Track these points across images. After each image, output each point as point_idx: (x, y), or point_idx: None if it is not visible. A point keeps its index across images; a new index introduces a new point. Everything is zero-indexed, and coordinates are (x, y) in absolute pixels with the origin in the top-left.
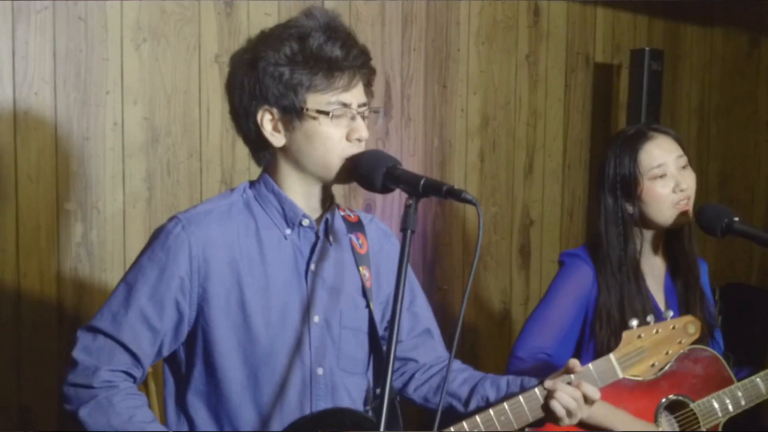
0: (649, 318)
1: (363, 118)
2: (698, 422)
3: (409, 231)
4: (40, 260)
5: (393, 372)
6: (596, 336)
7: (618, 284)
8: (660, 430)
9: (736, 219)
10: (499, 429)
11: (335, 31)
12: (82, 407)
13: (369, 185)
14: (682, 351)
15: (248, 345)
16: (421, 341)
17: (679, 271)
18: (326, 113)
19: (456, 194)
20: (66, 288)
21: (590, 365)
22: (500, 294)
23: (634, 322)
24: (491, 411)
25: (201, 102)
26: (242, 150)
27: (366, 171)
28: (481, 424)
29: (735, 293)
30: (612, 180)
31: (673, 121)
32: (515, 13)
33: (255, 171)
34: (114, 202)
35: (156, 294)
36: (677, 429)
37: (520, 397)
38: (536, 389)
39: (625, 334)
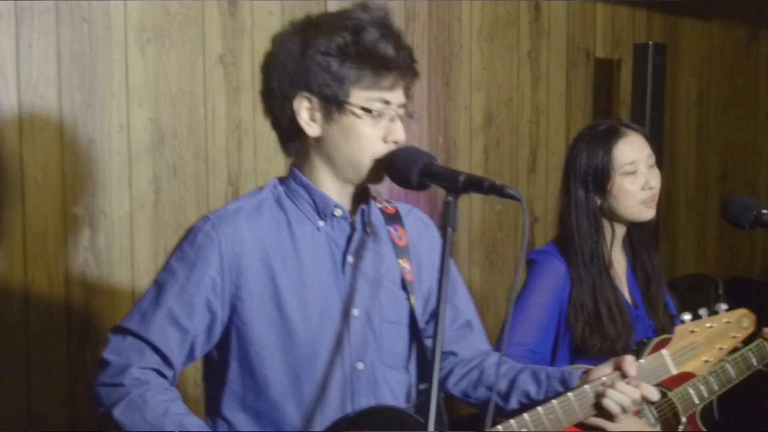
0: (702, 311)
1: (401, 120)
2: (677, 410)
3: (449, 228)
4: (47, 265)
5: (440, 370)
6: (572, 328)
7: (590, 276)
8: (649, 430)
9: (765, 211)
10: (549, 428)
11: (389, 28)
12: (115, 407)
13: (404, 182)
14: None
15: (287, 342)
16: (462, 334)
17: (640, 265)
18: (369, 111)
19: (498, 190)
20: (74, 292)
21: (642, 361)
22: (506, 292)
23: (687, 317)
24: (540, 409)
25: (206, 102)
26: (248, 150)
27: (401, 168)
28: (530, 424)
29: (738, 287)
30: (584, 172)
31: (673, 115)
32: (516, 10)
33: (261, 172)
34: (121, 206)
35: (185, 293)
36: (656, 419)
37: (570, 395)
38: (587, 387)
39: (677, 329)
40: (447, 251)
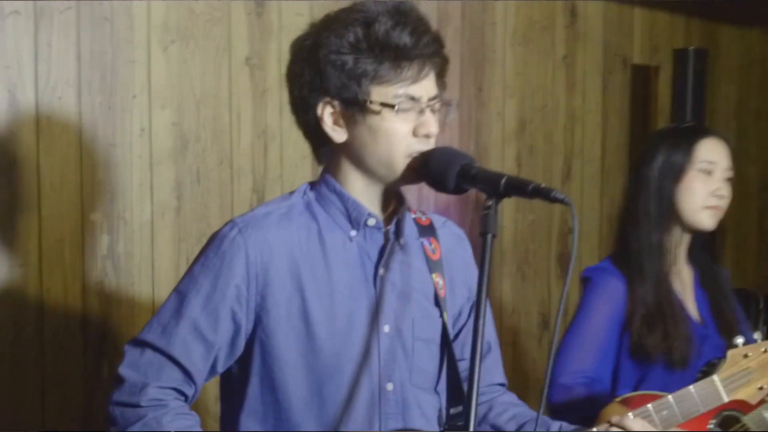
0: (756, 335)
1: (433, 111)
2: None
3: (489, 235)
4: (64, 274)
5: (478, 393)
6: (629, 327)
7: (654, 270)
8: None
9: None
10: None
11: (404, 15)
12: (130, 429)
13: (440, 186)
14: None
15: (312, 358)
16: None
17: (708, 281)
18: (391, 107)
19: (545, 193)
20: (92, 303)
21: (691, 388)
22: (539, 305)
23: (740, 340)
24: None
25: (231, 106)
26: (274, 156)
27: (437, 170)
28: None
29: None
30: (662, 162)
31: (711, 124)
32: (552, 13)
33: (288, 178)
34: (141, 212)
35: (210, 304)
36: None
37: None
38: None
39: (729, 353)
40: (487, 260)
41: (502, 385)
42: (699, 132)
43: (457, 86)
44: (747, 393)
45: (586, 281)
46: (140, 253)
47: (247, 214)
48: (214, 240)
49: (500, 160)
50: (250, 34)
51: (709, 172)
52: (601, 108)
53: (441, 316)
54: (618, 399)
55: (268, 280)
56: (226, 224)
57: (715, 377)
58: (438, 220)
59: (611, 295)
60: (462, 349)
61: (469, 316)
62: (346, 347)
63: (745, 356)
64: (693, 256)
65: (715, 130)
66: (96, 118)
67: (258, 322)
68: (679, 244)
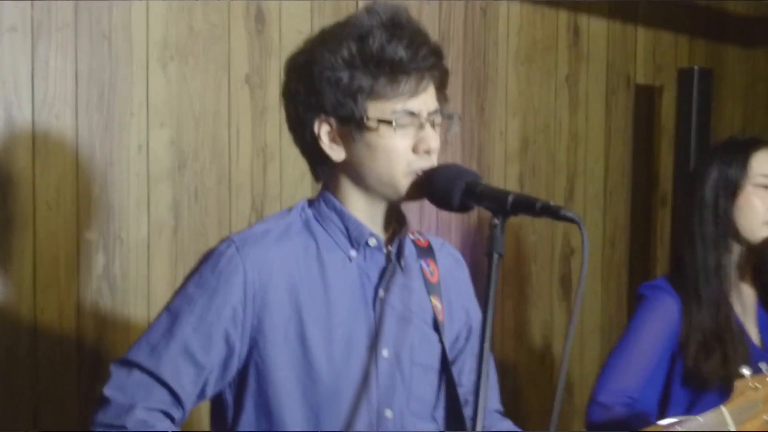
0: (763, 366)
1: (433, 126)
2: None
3: (496, 256)
4: (59, 294)
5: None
6: (684, 351)
7: (712, 293)
8: None
9: None
10: None
11: (399, 28)
12: None
13: (444, 203)
14: None
15: (308, 383)
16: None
17: None
18: (389, 123)
19: (553, 212)
20: (86, 324)
21: (700, 417)
22: (541, 327)
23: (746, 371)
24: None
25: (230, 125)
26: (274, 175)
27: (441, 187)
28: None
29: None
30: (716, 178)
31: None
32: (554, 32)
33: (287, 197)
34: (138, 231)
35: (203, 324)
36: None
37: None
38: None
39: (737, 384)
40: (493, 280)
41: (498, 411)
42: (752, 144)
43: (459, 106)
44: (754, 425)
45: (640, 298)
46: (136, 272)
47: (245, 232)
48: (209, 257)
49: (503, 180)
50: (250, 51)
51: (767, 186)
52: (604, 128)
53: (440, 340)
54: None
55: (265, 301)
56: (222, 241)
57: (723, 408)
58: (436, 242)
59: (664, 314)
60: (459, 375)
61: (466, 341)
62: (344, 372)
63: (754, 388)
64: (755, 275)
65: None
66: (93, 136)
67: (253, 345)
68: (739, 263)
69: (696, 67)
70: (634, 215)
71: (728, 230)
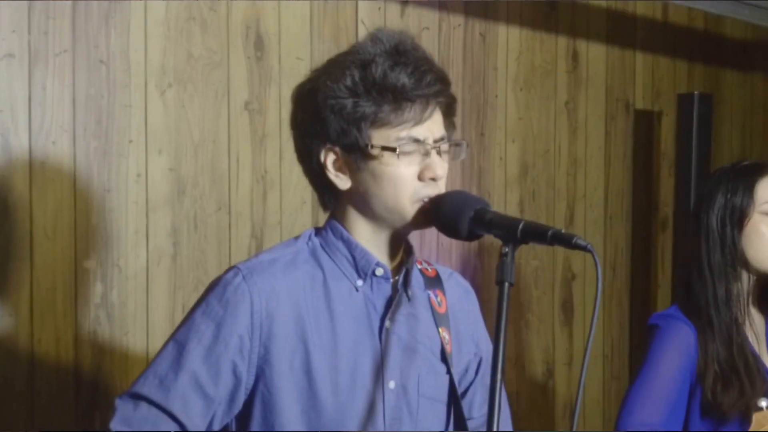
0: None
1: (439, 153)
2: None
3: (506, 284)
4: (56, 323)
5: None
6: (701, 382)
7: (724, 323)
8: None
9: None
10: None
11: (404, 55)
12: None
13: (452, 232)
14: None
15: (313, 415)
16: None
17: None
18: (392, 150)
19: (566, 240)
20: (84, 353)
21: None
22: (542, 353)
23: (764, 403)
24: None
25: (230, 152)
26: (274, 202)
27: (449, 215)
28: None
29: None
30: (722, 206)
31: (713, 169)
32: (554, 58)
33: (287, 225)
34: (137, 260)
35: (212, 355)
36: None
37: None
38: None
39: (755, 416)
40: (504, 310)
41: None
42: (758, 170)
43: (459, 131)
44: None
45: (654, 329)
46: (135, 301)
47: (252, 260)
48: (216, 286)
49: (503, 206)
50: (249, 78)
51: None
52: (603, 153)
53: (448, 372)
54: None
55: (272, 331)
56: (228, 270)
57: None
58: (444, 272)
59: (681, 343)
60: (470, 407)
61: (476, 373)
62: (350, 404)
63: None
64: (763, 302)
65: None
66: (91, 163)
67: (260, 375)
68: (750, 291)
69: (696, 92)
70: (635, 240)
71: (736, 259)
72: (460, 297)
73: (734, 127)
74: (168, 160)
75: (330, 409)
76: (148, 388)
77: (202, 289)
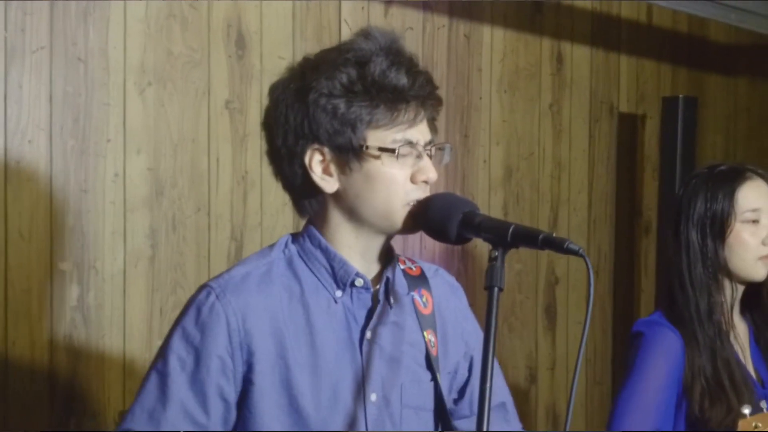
0: (764, 405)
1: (430, 156)
2: None
3: (496, 289)
4: (30, 326)
5: None
6: (688, 396)
7: (708, 337)
8: None
9: None
10: None
11: (399, 55)
12: None
13: (441, 235)
14: None
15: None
16: (495, 417)
17: (764, 339)
18: (391, 151)
19: (557, 244)
20: (60, 357)
21: None
22: (525, 358)
23: (747, 410)
24: None
25: (210, 152)
26: (254, 204)
27: (437, 218)
28: None
29: None
30: (701, 215)
31: None
32: (538, 60)
33: (268, 227)
34: (114, 262)
35: (196, 382)
36: None
37: None
38: None
39: (741, 423)
40: (494, 316)
41: None
42: (737, 176)
43: (443, 133)
44: None
45: (639, 337)
46: (112, 304)
47: (223, 277)
48: (189, 310)
49: (486, 209)
50: (230, 77)
51: (755, 221)
52: (587, 156)
53: (433, 379)
54: None
55: (252, 348)
56: (200, 290)
57: None
58: (429, 269)
59: (668, 350)
60: (471, 406)
61: (469, 372)
62: (332, 419)
63: (755, 427)
64: (746, 308)
65: (752, 169)
66: (68, 163)
67: (243, 396)
68: (733, 301)
69: (681, 96)
70: (618, 244)
71: (719, 270)
72: (447, 295)
73: (717, 131)
74: (146, 159)
75: (312, 425)
76: (137, 423)
77: (180, 292)
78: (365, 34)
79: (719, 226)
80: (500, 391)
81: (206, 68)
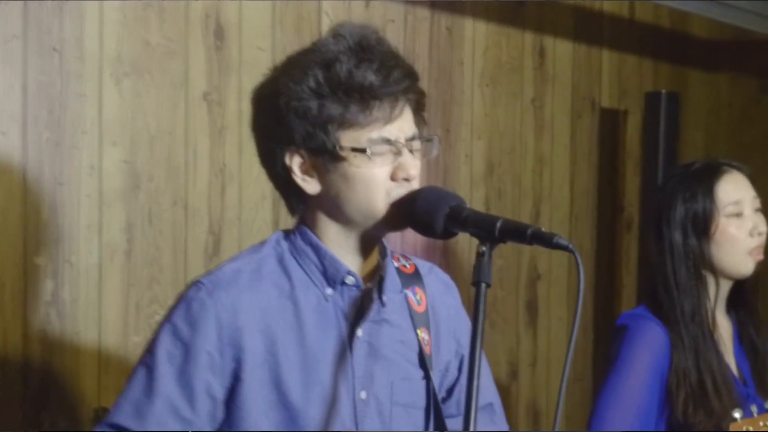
0: (753, 408)
1: (412, 152)
2: None
3: (483, 285)
4: (4, 321)
5: None
6: (672, 400)
7: (692, 339)
8: None
9: None
10: None
11: (368, 51)
12: None
13: (426, 229)
14: None
15: (284, 429)
16: (481, 418)
17: (747, 336)
18: (362, 151)
19: (546, 239)
20: (33, 353)
21: None
22: (507, 354)
23: (737, 414)
24: None
25: (188, 144)
26: (233, 197)
27: (423, 212)
28: None
29: None
30: (682, 216)
31: None
32: (520, 54)
33: (246, 220)
34: (89, 256)
35: (184, 377)
36: None
37: None
38: None
39: (732, 426)
40: (481, 312)
41: None
42: (714, 171)
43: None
44: None
45: (622, 330)
46: (87, 299)
47: (215, 273)
48: (179, 304)
49: (469, 204)
50: (208, 68)
51: (738, 214)
52: (569, 151)
53: (425, 377)
54: None
55: (242, 344)
56: (191, 286)
57: None
58: (424, 267)
59: (653, 344)
60: (458, 406)
61: (459, 371)
62: (322, 416)
63: (746, 430)
64: (731, 305)
65: (726, 162)
66: (42, 155)
67: (231, 392)
68: (718, 297)
69: (663, 91)
70: (600, 240)
71: (704, 268)
72: (441, 292)
73: (698, 127)
74: (123, 152)
75: (301, 422)
76: (123, 417)
77: (156, 287)
78: (334, 33)
79: (702, 225)
80: (488, 392)
81: (184, 59)
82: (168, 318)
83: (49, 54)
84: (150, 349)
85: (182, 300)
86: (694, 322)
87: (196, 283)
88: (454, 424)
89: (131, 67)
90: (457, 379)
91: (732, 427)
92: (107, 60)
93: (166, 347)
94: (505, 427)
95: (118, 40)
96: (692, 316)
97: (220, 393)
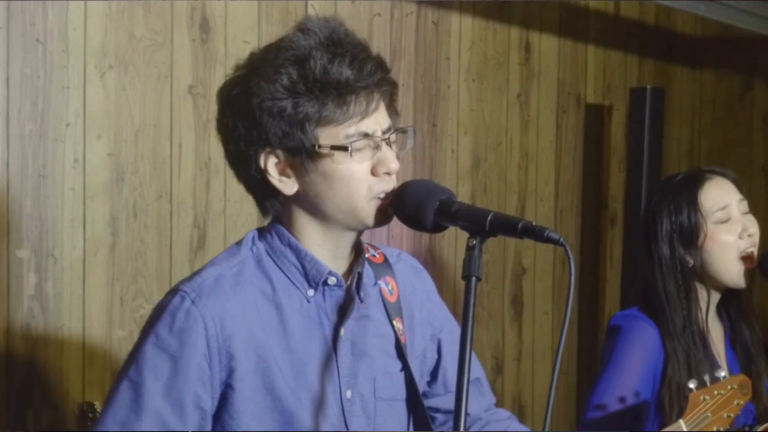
0: (706, 378)
1: (389, 144)
2: None
3: (474, 279)
4: None
5: None
6: (665, 412)
7: (684, 351)
8: None
9: None
10: None
11: (340, 45)
12: None
13: (416, 223)
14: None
15: None
16: (471, 392)
17: (740, 340)
18: (344, 149)
19: (537, 233)
20: (17, 347)
21: None
22: (492, 348)
23: (693, 384)
24: None
25: (172, 137)
26: (218, 190)
27: (413, 206)
28: None
29: None
30: (668, 229)
31: (664, 164)
32: (506, 49)
33: (231, 214)
34: (73, 249)
35: (172, 390)
36: None
37: None
38: None
39: (691, 397)
40: (471, 306)
41: (494, 407)
42: (695, 180)
43: (410, 121)
44: None
45: (615, 330)
46: (71, 293)
47: (196, 280)
48: (162, 314)
49: None
50: (194, 61)
51: (726, 219)
52: (554, 147)
53: (404, 368)
54: None
55: (232, 352)
56: (172, 294)
57: (682, 422)
58: (392, 254)
59: (646, 344)
60: (445, 384)
61: (438, 353)
62: (313, 418)
63: (703, 399)
64: (723, 308)
65: (708, 169)
66: (25, 147)
67: (223, 402)
68: (709, 308)
69: (648, 87)
70: (584, 235)
71: (694, 280)
72: (410, 278)
73: (683, 123)
74: (107, 145)
75: (296, 426)
76: None
77: (141, 281)
78: (302, 28)
79: (689, 236)
80: (473, 368)
81: (169, 52)
82: (151, 329)
83: (32, 46)
84: (134, 361)
85: (165, 309)
86: (685, 334)
87: (178, 292)
88: (443, 401)
89: (116, 59)
90: (438, 361)
91: (692, 395)
92: (92, 52)
93: (151, 360)
94: (492, 398)
95: (102, 33)
96: (683, 328)
97: (208, 404)
